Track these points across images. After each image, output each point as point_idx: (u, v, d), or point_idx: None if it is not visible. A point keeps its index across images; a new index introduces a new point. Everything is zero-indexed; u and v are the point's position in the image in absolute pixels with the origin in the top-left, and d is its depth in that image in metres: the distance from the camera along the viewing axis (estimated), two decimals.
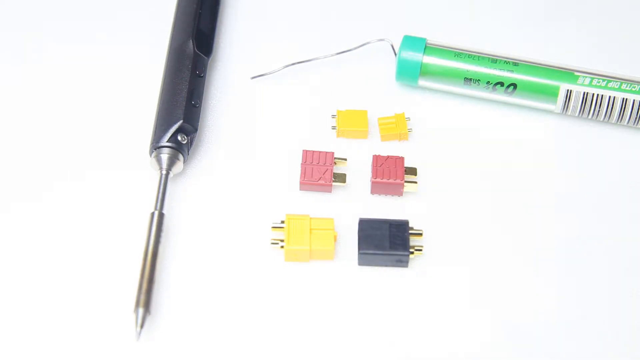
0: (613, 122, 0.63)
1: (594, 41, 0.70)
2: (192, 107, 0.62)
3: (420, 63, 0.64)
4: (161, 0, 0.71)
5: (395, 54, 0.66)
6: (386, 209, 0.59)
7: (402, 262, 0.57)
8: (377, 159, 0.60)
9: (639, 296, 0.56)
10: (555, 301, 0.56)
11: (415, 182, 0.60)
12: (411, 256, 0.56)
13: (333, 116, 0.64)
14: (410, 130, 0.63)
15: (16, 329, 0.54)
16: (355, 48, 0.66)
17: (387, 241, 0.56)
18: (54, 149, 0.62)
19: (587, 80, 0.62)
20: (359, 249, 0.57)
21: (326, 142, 0.63)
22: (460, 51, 0.64)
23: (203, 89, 0.64)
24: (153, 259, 0.55)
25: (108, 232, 0.58)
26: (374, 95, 0.66)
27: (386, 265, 0.57)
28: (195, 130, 0.61)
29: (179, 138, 0.60)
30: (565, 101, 0.63)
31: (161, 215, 0.57)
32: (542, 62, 0.63)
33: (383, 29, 0.68)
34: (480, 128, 0.64)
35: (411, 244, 0.57)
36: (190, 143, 0.61)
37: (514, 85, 0.63)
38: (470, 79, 0.64)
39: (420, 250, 0.57)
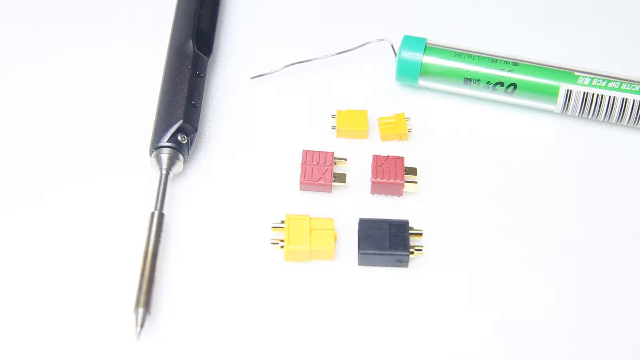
0: (613, 122, 0.63)
1: (594, 41, 0.70)
2: (192, 107, 0.62)
3: (420, 63, 0.64)
4: (161, 0, 0.71)
5: (395, 54, 0.66)
6: (386, 209, 0.59)
7: (402, 262, 0.57)
8: (377, 159, 0.60)
9: (638, 296, 0.56)
10: (555, 301, 0.56)
11: (415, 182, 0.60)
12: (411, 256, 0.56)
13: (333, 116, 0.64)
14: (410, 130, 0.63)
15: (16, 329, 0.54)
16: (355, 48, 0.66)
17: (387, 241, 0.56)
18: (53, 149, 0.62)
19: (587, 80, 0.62)
20: (359, 249, 0.57)
21: (326, 142, 0.63)
22: (460, 51, 0.64)
23: (203, 89, 0.64)
24: (153, 259, 0.55)
25: (108, 232, 0.58)
26: (374, 95, 0.66)
27: (386, 265, 0.57)
28: (195, 130, 0.61)
29: (179, 138, 0.60)
30: (565, 101, 0.63)
31: (161, 215, 0.57)
32: (542, 62, 0.63)
33: (383, 29, 0.68)
34: (480, 128, 0.64)
35: (411, 244, 0.57)
36: (190, 143, 0.61)
37: (514, 85, 0.63)
38: (470, 79, 0.64)
39: (420, 250, 0.57)
